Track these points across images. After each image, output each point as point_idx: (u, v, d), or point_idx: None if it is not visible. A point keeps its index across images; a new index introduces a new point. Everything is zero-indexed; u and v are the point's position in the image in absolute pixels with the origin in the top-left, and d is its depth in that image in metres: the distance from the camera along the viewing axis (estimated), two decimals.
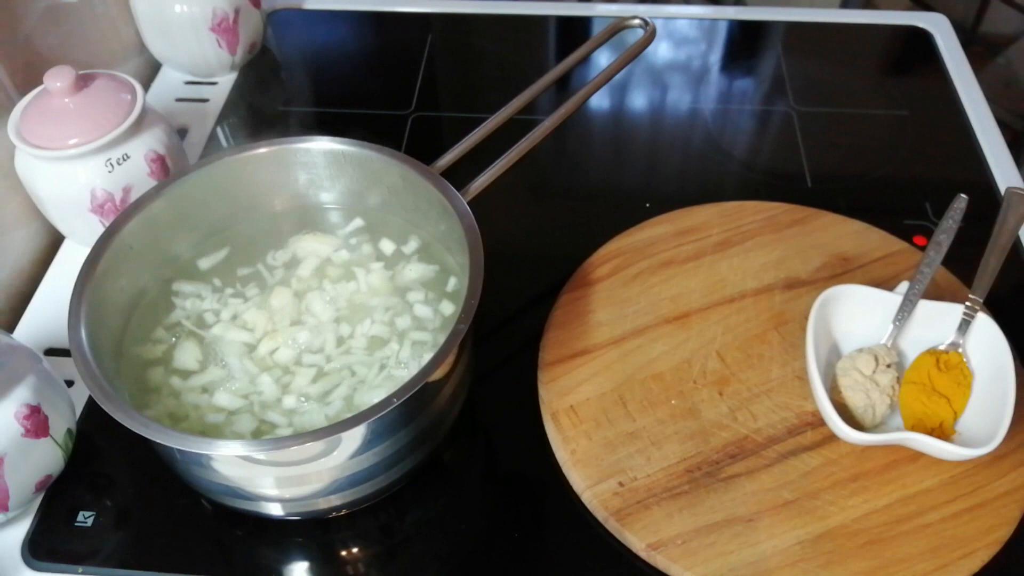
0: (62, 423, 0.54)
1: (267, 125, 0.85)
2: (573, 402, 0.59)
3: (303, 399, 0.53)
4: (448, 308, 0.58)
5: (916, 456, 0.55)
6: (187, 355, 0.56)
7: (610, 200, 0.77)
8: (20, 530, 0.55)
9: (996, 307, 0.59)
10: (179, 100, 0.86)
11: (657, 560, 0.52)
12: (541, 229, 0.74)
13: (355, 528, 0.56)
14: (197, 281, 0.60)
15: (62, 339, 0.52)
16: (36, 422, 0.52)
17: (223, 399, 0.54)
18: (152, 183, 0.66)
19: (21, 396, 0.51)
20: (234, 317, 0.58)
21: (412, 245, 0.62)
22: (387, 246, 0.62)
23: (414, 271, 0.60)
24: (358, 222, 0.63)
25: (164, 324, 0.58)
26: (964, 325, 0.58)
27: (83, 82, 0.64)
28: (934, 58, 0.89)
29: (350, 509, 0.54)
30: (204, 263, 0.61)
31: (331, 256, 0.61)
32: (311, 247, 0.62)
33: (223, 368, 0.55)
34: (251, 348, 0.56)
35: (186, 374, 0.56)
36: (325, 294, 0.58)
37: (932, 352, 0.58)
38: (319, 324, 0.57)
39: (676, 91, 0.87)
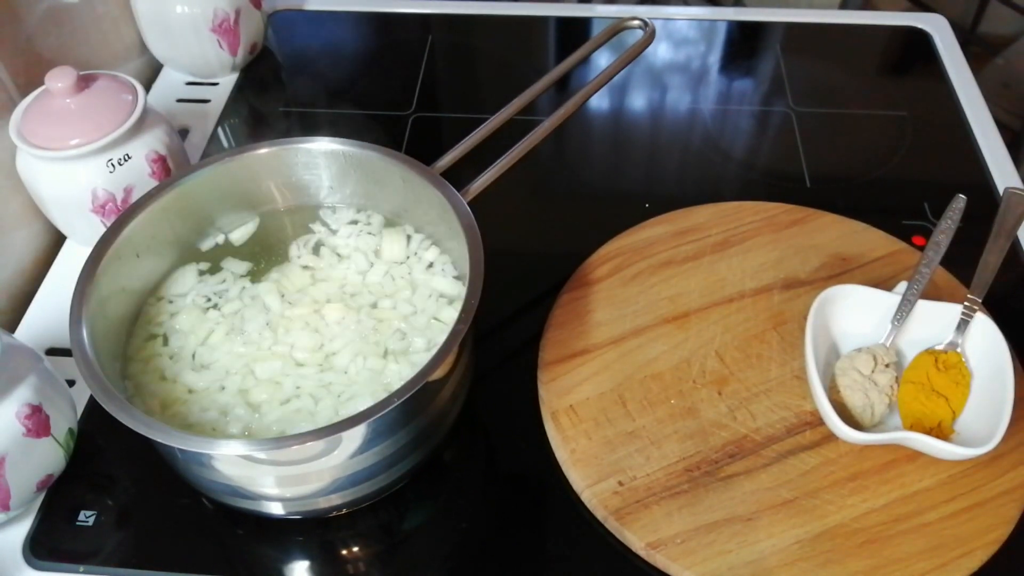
0: (63, 422, 0.54)
1: (268, 126, 0.85)
2: (573, 402, 0.59)
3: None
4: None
5: (915, 455, 0.55)
6: (187, 320, 0.57)
7: (610, 200, 0.77)
8: (21, 529, 0.55)
9: (995, 307, 0.59)
10: (180, 101, 0.86)
11: (656, 559, 0.52)
12: (541, 229, 0.74)
13: (355, 527, 0.56)
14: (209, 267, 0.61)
15: (63, 339, 0.52)
16: (37, 421, 0.52)
17: (189, 376, 0.55)
18: (153, 183, 0.66)
19: (22, 396, 0.51)
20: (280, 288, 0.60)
21: (430, 252, 0.62)
22: (395, 249, 0.62)
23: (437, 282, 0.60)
24: (362, 221, 0.63)
25: (156, 322, 0.58)
26: (963, 325, 0.58)
27: (84, 83, 0.64)
28: (933, 59, 0.89)
29: (350, 508, 0.54)
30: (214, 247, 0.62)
31: (344, 254, 0.62)
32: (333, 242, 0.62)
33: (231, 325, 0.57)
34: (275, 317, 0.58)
35: (183, 335, 0.57)
36: (363, 326, 0.57)
37: (931, 352, 0.59)
38: (322, 344, 0.57)
39: (675, 92, 0.87)
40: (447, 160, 0.60)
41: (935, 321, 0.59)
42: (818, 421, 0.57)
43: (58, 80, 0.62)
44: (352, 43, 0.95)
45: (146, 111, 0.66)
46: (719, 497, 0.54)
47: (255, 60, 0.90)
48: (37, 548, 0.54)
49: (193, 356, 0.56)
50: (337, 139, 0.61)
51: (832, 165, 0.79)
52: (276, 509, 0.53)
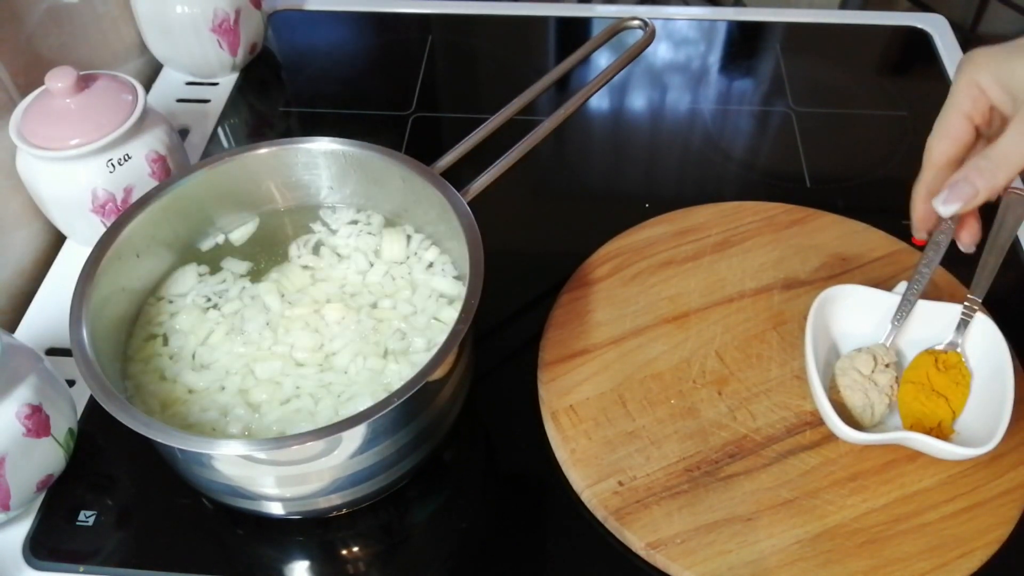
0: (63, 422, 0.54)
1: (268, 126, 0.85)
2: (573, 402, 0.59)
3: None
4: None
5: (915, 455, 0.55)
6: (187, 320, 0.57)
7: (610, 200, 0.77)
8: (21, 529, 0.55)
9: (995, 307, 0.59)
10: (180, 101, 0.86)
11: (656, 559, 0.52)
12: (541, 229, 0.74)
13: (355, 527, 0.56)
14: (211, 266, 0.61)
15: (63, 339, 0.52)
16: (37, 421, 0.52)
17: (189, 376, 0.55)
18: (153, 183, 0.66)
19: (22, 396, 0.51)
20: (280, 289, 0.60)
21: (430, 252, 0.62)
22: (395, 249, 0.62)
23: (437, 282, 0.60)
24: (362, 221, 0.63)
25: (156, 322, 0.58)
26: (962, 325, 0.58)
27: (84, 83, 0.64)
28: (933, 59, 0.89)
29: (350, 508, 0.54)
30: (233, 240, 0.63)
31: (346, 257, 0.62)
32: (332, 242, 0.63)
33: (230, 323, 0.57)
34: (275, 316, 0.58)
35: (183, 335, 0.57)
36: (363, 326, 0.57)
37: (931, 352, 0.58)
38: (322, 344, 0.57)
39: (675, 92, 0.87)
40: (447, 160, 0.60)
41: (935, 321, 0.59)
42: (818, 421, 0.57)
43: (58, 80, 0.62)
44: (352, 43, 0.95)
45: (146, 111, 0.66)
46: (719, 497, 0.54)
47: (255, 60, 0.90)
48: (37, 548, 0.54)
49: (193, 356, 0.56)
50: (337, 139, 0.61)
51: (832, 165, 0.79)
52: (276, 509, 0.53)
